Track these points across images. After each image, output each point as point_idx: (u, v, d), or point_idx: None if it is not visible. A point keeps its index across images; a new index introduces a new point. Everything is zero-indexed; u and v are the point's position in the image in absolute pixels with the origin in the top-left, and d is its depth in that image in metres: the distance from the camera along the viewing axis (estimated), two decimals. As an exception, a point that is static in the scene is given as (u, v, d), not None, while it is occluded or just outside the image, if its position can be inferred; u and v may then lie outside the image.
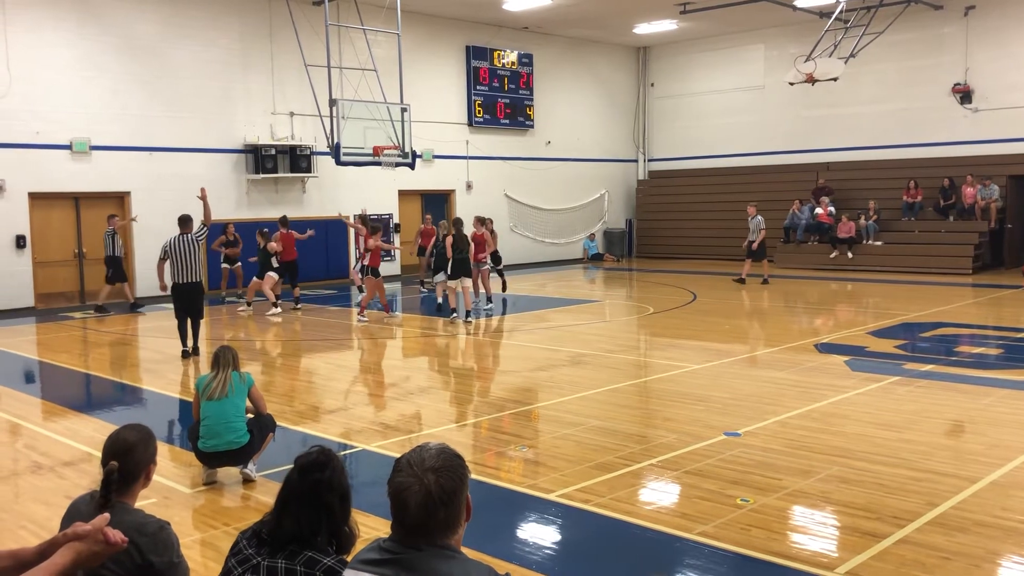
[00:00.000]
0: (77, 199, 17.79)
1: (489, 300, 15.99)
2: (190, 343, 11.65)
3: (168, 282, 11.50)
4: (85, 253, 17.88)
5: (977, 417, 7.96)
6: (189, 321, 11.57)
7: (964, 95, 22.49)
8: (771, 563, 4.79)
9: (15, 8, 16.54)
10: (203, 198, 11.59)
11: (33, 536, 5.25)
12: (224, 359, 6.39)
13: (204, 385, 6.32)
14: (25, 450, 7.51)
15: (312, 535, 2.74)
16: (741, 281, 19.27)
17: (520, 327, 14.33)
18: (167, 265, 11.42)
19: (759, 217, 19.42)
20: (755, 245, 19.25)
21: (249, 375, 6.57)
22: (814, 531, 5.29)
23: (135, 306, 16.79)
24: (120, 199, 18.28)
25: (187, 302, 11.41)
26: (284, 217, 17.17)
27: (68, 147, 17.36)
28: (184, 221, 11.45)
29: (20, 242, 16.86)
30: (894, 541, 5.03)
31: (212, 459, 6.27)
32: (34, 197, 17.07)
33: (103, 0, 17.65)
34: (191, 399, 9.21)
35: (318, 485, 2.77)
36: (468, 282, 14.81)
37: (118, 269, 16.59)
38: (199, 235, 11.40)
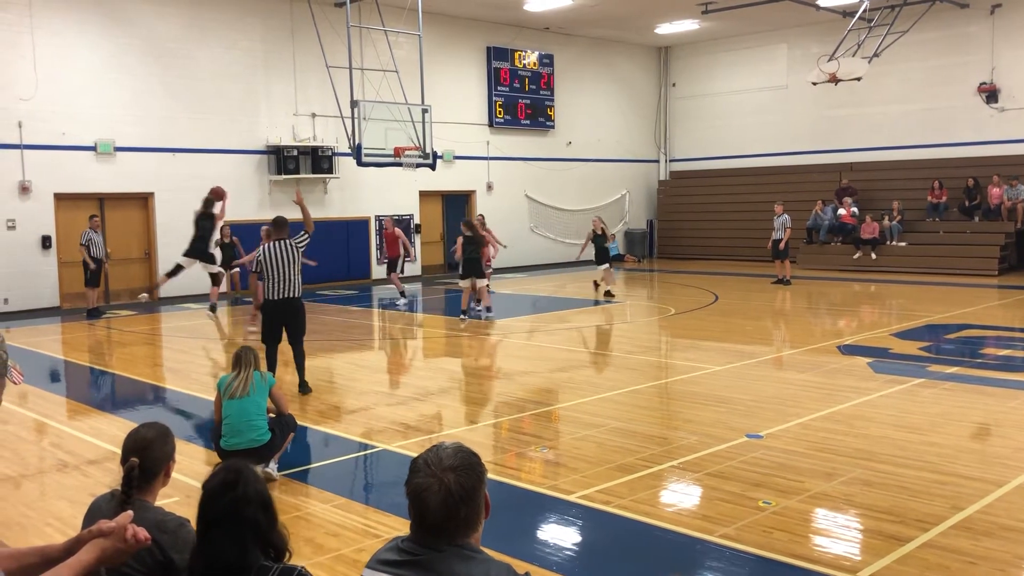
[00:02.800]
0: (101, 200, 17.96)
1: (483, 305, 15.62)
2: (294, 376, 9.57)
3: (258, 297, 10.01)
4: (109, 254, 18.03)
5: (1003, 420, 7.86)
6: (290, 347, 9.32)
7: (990, 94, 22.25)
8: (793, 566, 4.75)
9: (41, 11, 16.74)
10: (300, 202, 9.70)
11: (58, 533, 5.31)
12: (246, 359, 6.45)
13: (226, 385, 6.37)
14: (51, 448, 7.60)
15: (243, 557, 2.51)
16: (786, 282, 19.14)
17: (540, 328, 14.32)
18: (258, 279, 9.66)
19: (785, 216, 19.33)
20: (782, 244, 19.16)
21: (271, 375, 6.63)
22: (837, 534, 5.25)
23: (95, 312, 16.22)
24: (144, 200, 18.44)
25: (283, 321, 9.18)
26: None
27: (93, 148, 17.54)
28: (280, 225, 9.41)
29: (46, 242, 17.06)
30: (918, 545, 4.97)
31: (233, 456, 6.30)
32: (59, 198, 17.26)
33: (127, 3, 17.82)
34: (211, 397, 9.28)
35: (236, 503, 2.54)
36: (482, 281, 14.72)
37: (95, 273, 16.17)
38: (300, 242, 9.14)
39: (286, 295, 9.06)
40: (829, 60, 19.57)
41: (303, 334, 9.42)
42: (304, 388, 9.32)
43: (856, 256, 22.31)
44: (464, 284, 14.64)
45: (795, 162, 25.78)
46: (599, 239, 17.40)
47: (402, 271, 17.40)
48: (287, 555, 2.61)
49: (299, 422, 8.12)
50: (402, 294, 16.95)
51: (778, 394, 8.95)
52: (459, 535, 2.21)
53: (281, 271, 9.03)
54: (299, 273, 9.14)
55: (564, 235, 26.24)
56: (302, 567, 2.54)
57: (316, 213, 20.16)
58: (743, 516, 5.45)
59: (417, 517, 2.22)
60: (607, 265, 17.29)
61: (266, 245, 9.26)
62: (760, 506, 5.63)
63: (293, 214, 10.15)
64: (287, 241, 9.13)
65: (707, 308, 15.88)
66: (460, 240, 14.75)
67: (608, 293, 17.19)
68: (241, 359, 6.44)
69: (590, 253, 17.85)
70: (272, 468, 6.41)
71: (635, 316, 15.72)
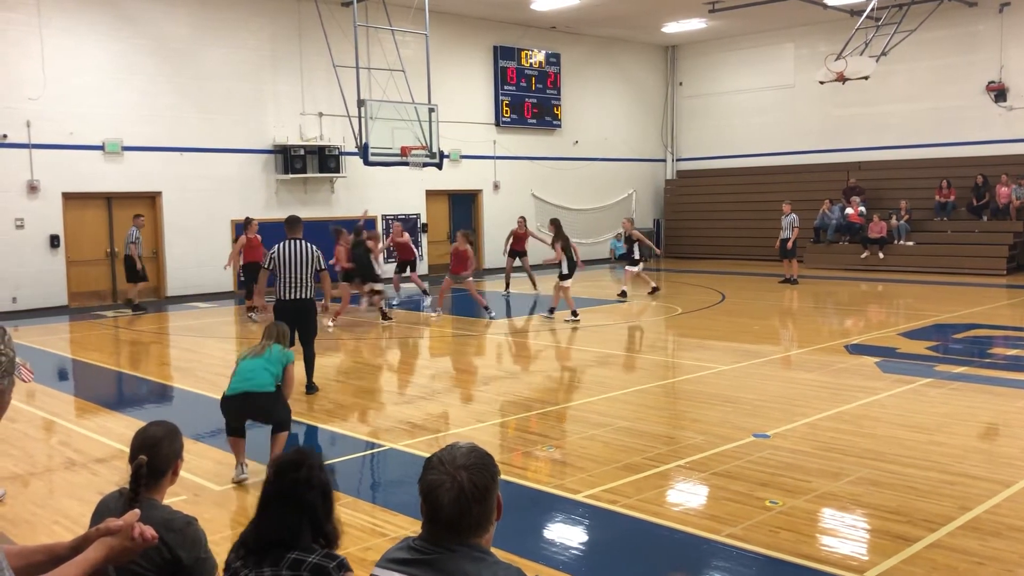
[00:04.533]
0: (109, 199, 18.01)
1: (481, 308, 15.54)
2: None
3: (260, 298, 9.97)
4: (117, 252, 18.09)
5: (1012, 420, 7.84)
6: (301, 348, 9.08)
7: (999, 93, 22.17)
8: (800, 566, 4.74)
9: (50, 11, 16.79)
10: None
11: (67, 531, 5.33)
12: (270, 332, 6.75)
13: (244, 351, 6.66)
14: (59, 447, 7.63)
15: (294, 537, 2.67)
16: (793, 281, 19.12)
17: (547, 327, 14.31)
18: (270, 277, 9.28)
19: (793, 215, 19.30)
20: (789, 244, 19.14)
21: (291, 353, 6.73)
22: (844, 534, 5.24)
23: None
24: (151, 199, 18.49)
25: (294, 322, 8.55)
26: (248, 218, 16.32)
27: (101, 148, 17.59)
28: (293, 224, 9.23)
29: (54, 241, 17.11)
30: (925, 545, 4.96)
31: (234, 405, 6.37)
32: (67, 197, 17.31)
33: (136, 2, 17.87)
34: (219, 395, 9.31)
35: (296, 484, 2.71)
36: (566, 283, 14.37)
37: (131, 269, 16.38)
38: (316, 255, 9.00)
39: (297, 296, 8.91)
40: (836, 59, 19.51)
41: (314, 335, 9.30)
42: (311, 389, 9.24)
43: (864, 255, 22.25)
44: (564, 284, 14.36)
45: (802, 161, 25.72)
46: (629, 241, 17.54)
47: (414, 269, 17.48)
48: (336, 548, 2.75)
49: (306, 421, 8.15)
50: (424, 292, 17.11)
51: (785, 394, 8.93)
52: (471, 534, 2.22)
53: (294, 271, 8.86)
54: (311, 275, 8.96)
55: (571, 234, 26.05)
56: (343, 557, 2.67)
57: (323, 212, 20.29)
58: (750, 516, 5.44)
59: (429, 514, 2.23)
60: (633, 267, 17.36)
61: (280, 244, 9.01)
62: (767, 506, 5.62)
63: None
64: (303, 242, 8.98)
65: (714, 307, 15.86)
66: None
67: (623, 293, 17.20)
68: (267, 331, 6.73)
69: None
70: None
71: (642, 315, 15.71)
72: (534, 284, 18.63)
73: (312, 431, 7.95)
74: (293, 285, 8.88)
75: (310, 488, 2.72)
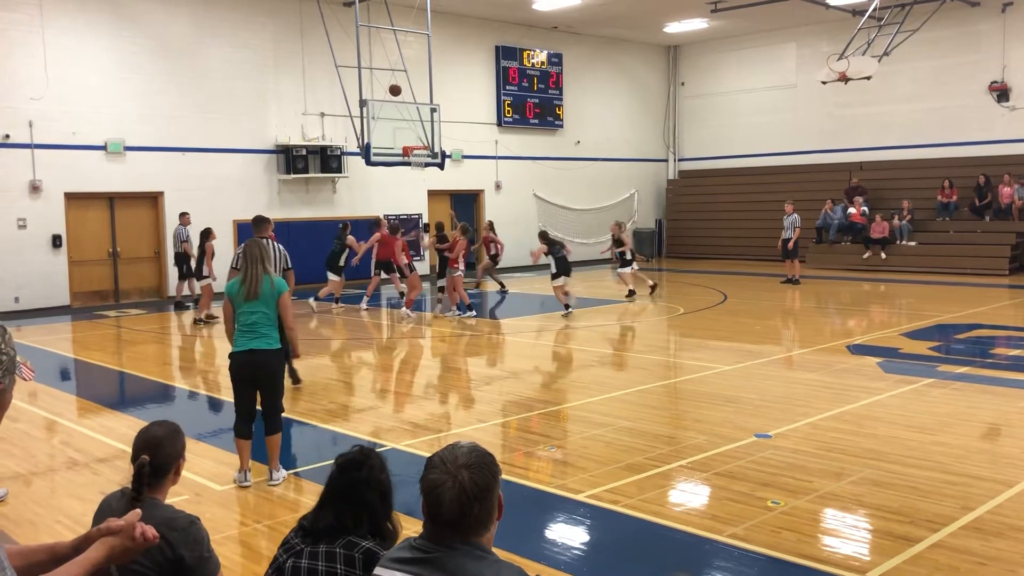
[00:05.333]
0: (111, 199, 18.03)
1: (469, 307, 15.53)
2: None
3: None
4: (119, 252, 18.12)
5: (1014, 420, 7.83)
6: None
7: (1001, 93, 22.15)
8: (802, 566, 4.74)
9: (52, 11, 16.81)
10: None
11: (68, 531, 5.33)
12: (251, 254, 6.36)
13: (236, 291, 6.31)
14: (61, 446, 7.63)
15: (352, 527, 2.84)
16: (795, 282, 19.11)
17: (548, 327, 14.32)
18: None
19: (795, 215, 19.30)
20: (791, 244, 19.13)
21: (281, 280, 6.50)
22: (846, 534, 5.23)
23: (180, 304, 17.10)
24: (153, 199, 18.50)
25: None
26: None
27: (103, 148, 17.60)
28: (259, 223, 9.34)
29: (56, 241, 17.13)
30: (928, 545, 4.96)
31: (238, 363, 6.27)
32: (70, 197, 17.33)
33: (137, 2, 17.88)
34: (221, 395, 9.31)
35: (356, 483, 2.87)
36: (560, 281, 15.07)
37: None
38: (284, 258, 9.18)
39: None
40: (839, 59, 19.49)
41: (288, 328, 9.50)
42: (294, 379, 9.50)
43: (866, 256, 22.23)
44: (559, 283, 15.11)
45: (805, 161, 25.70)
46: (619, 244, 17.46)
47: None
48: (391, 545, 2.81)
49: (308, 421, 8.16)
50: (402, 295, 17.09)
51: (787, 394, 8.92)
52: (471, 533, 2.22)
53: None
54: (281, 274, 8.95)
55: (573, 235, 26.19)
56: None
57: (325, 212, 20.32)
58: (752, 516, 5.44)
59: (430, 513, 2.24)
60: (626, 268, 17.38)
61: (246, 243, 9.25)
62: (769, 506, 5.62)
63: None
64: (271, 241, 9.14)
65: (716, 308, 15.85)
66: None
67: (631, 292, 17.22)
68: (247, 254, 6.39)
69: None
70: (277, 478, 6.36)
71: (644, 315, 15.70)
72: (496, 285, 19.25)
73: (313, 431, 7.95)
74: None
75: (369, 488, 2.88)
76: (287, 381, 8.06)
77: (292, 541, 2.91)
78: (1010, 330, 13.15)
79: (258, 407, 6.45)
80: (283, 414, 6.52)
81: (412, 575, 2.22)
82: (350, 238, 16.25)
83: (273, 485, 6.29)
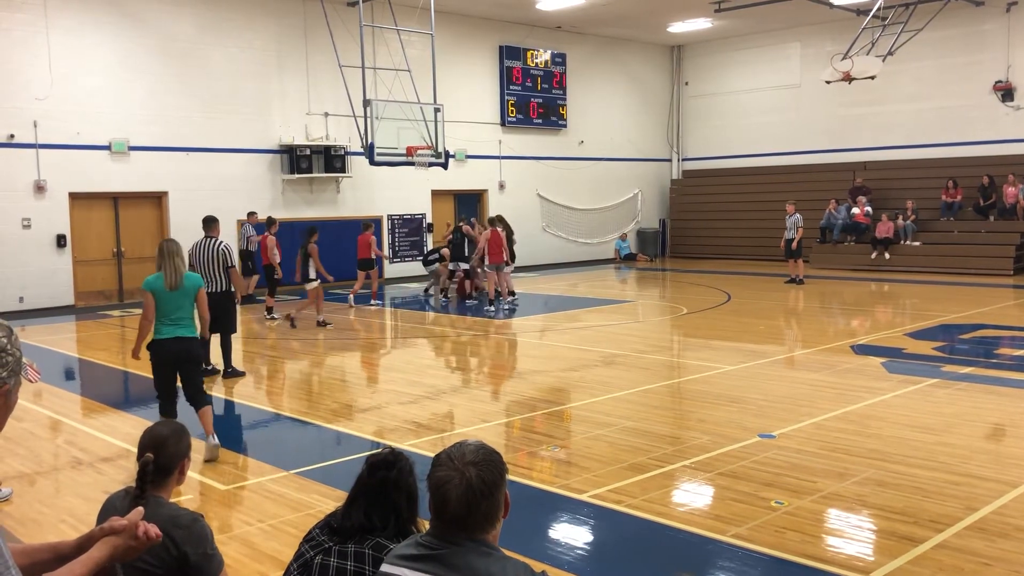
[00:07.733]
0: (116, 199, 18.06)
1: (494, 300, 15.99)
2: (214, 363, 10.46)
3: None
4: (124, 252, 18.14)
5: (1018, 420, 7.81)
6: (219, 339, 10.22)
7: (1006, 92, 22.10)
8: (806, 566, 4.73)
9: (56, 11, 16.84)
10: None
11: (72, 530, 5.34)
12: (168, 249, 6.88)
13: (159, 285, 6.81)
14: (65, 446, 7.65)
15: (380, 528, 2.87)
16: (799, 282, 19.10)
17: (552, 327, 14.31)
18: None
19: (797, 215, 19.27)
20: (794, 244, 19.11)
21: (198, 276, 7.16)
22: (850, 535, 5.23)
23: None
24: (158, 199, 18.53)
25: (213, 317, 9.30)
26: (271, 218, 16.29)
27: (107, 147, 17.64)
28: (208, 223, 10.16)
29: (61, 241, 17.16)
30: (932, 546, 4.95)
31: (166, 350, 6.82)
32: (74, 197, 17.36)
33: (142, 3, 17.91)
34: (223, 395, 9.33)
35: (385, 483, 2.89)
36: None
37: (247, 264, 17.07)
38: (226, 249, 10.02)
39: (211, 290, 9.70)
40: (843, 58, 19.47)
41: (233, 328, 10.47)
42: (231, 373, 10.22)
43: (872, 256, 22.20)
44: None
45: (808, 161, 25.67)
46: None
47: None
48: None
49: (310, 420, 8.18)
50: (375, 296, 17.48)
51: (791, 394, 8.91)
52: (478, 530, 2.24)
53: (205, 268, 9.89)
54: (224, 271, 9.97)
55: (576, 234, 26.23)
56: None
57: (329, 212, 20.34)
58: (755, 516, 5.43)
59: (437, 510, 2.25)
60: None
61: (195, 243, 10.08)
62: (772, 506, 5.61)
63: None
64: (215, 240, 10.01)
65: (719, 307, 15.83)
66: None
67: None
68: (162, 250, 6.87)
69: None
70: (214, 440, 6.90)
71: (647, 315, 15.69)
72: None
73: (314, 431, 7.96)
74: (206, 280, 9.66)
75: (397, 489, 2.90)
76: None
77: (319, 538, 2.92)
78: (1015, 330, 13.12)
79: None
80: (278, 411, 6.72)
81: (419, 571, 2.23)
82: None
83: (215, 445, 6.85)
